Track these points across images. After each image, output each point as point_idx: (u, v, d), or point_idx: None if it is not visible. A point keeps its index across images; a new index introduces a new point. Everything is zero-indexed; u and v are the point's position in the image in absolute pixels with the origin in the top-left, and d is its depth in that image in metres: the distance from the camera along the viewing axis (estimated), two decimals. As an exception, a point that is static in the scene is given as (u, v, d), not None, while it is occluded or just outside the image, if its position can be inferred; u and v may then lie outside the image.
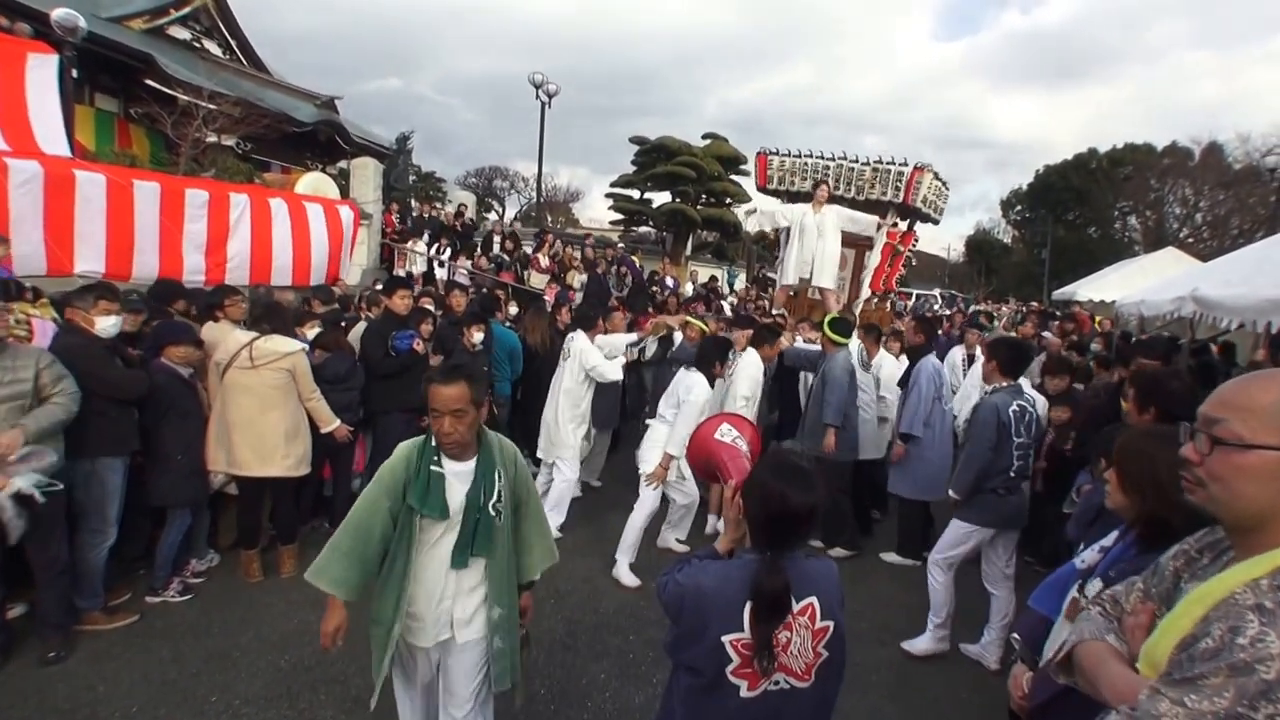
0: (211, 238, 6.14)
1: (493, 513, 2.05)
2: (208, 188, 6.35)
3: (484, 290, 8.70)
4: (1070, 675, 1.27)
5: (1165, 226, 34.19)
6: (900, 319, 9.38)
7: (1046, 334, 8.66)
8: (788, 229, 7.90)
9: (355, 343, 4.70)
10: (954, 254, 49.34)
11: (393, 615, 2.01)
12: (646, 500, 4.34)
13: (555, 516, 4.64)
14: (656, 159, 23.20)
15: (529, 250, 12.91)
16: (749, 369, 4.90)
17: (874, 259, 8.43)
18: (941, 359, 5.53)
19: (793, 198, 8.50)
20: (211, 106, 9.81)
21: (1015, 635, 1.97)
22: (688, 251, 23.01)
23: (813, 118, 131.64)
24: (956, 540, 3.64)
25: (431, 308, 5.62)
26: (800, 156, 8.59)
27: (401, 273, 10.51)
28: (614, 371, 4.93)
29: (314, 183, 8.69)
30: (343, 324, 5.03)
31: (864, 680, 3.36)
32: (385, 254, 11.48)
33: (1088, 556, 1.83)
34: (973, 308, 19.67)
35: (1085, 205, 38.27)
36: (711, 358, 4.32)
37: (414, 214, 13.02)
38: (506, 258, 12.34)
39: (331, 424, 4.17)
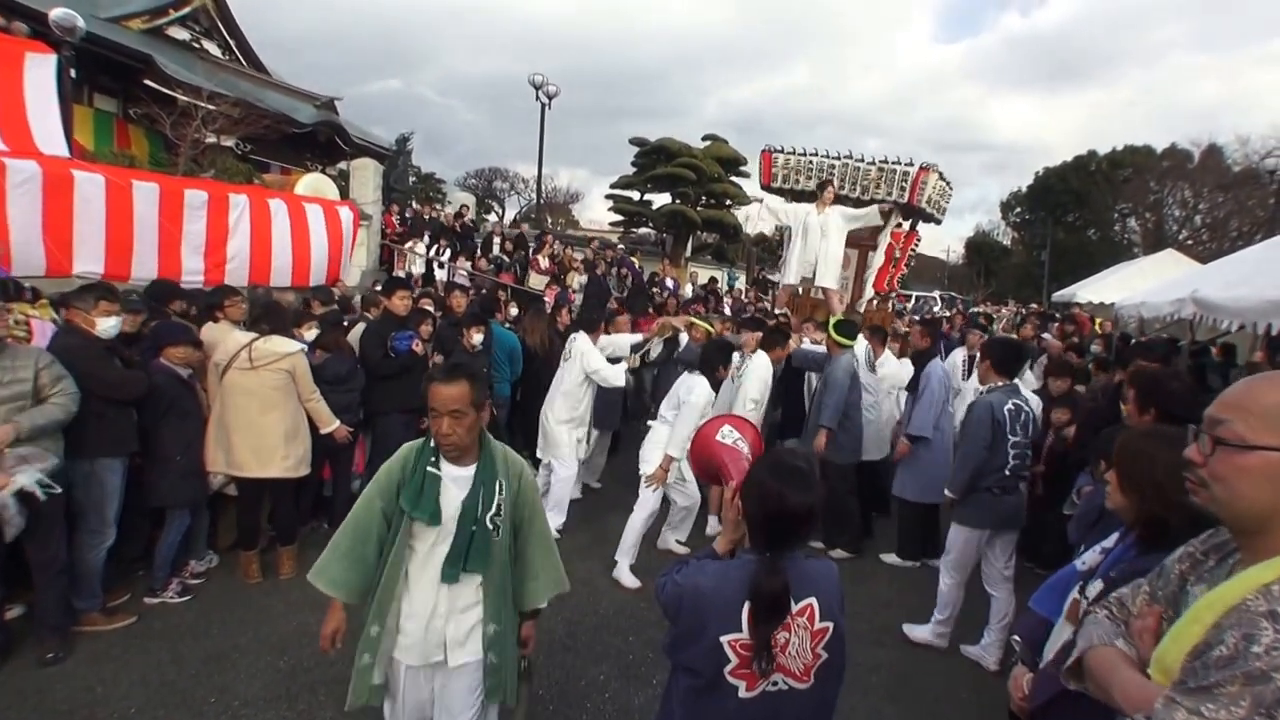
0: (211, 238, 6.14)
1: (490, 526, 1.94)
2: (207, 188, 6.35)
3: (484, 291, 8.70)
4: (1081, 681, 1.26)
5: (1165, 228, 34.23)
6: (900, 319, 9.37)
7: (1046, 336, 8.67)
8: (790, 228, 7.89)
9: (355, 343, 4.70)
10: (953, 256, 49.54)
11: (380, 625, 1.92)
12: (646, 502, 4.33)
13: (555, 517, 4.63)
14: (656, 160, 23.26)
15: (532, 246, 12.91)
16: (759, 371, 4.88)
17: (878, 259, 8.38)
18: (943, 360, 5.53)
19: (797, 196, 8.45)
20: (211, 107, 9.77)
21: (1015, 637, 1.97)
22: (687, 253, 23.05)
23: (812, 119, 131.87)
24: (958, 544, 3.66)
25: (431, 309, 5.62)
26: (805, 155, 8.52)
27: (401, 274, 10.50)
28: (617, 377, 4.89)
29: (313, 184, 8.68)
30: (345, 324, 5.03)
31: (864, 681, 3.36)
32: (385, 255, 11.46)
33: (1089, 558, 1.83)
34: (972, 309, 19.69)
35: (1085, 207, 38.30)
36: (714, 361, 4.27)
37: (410, 213, 13.00)
38: (506, 259, 12.35)
39: (331, 425, 4.17)
